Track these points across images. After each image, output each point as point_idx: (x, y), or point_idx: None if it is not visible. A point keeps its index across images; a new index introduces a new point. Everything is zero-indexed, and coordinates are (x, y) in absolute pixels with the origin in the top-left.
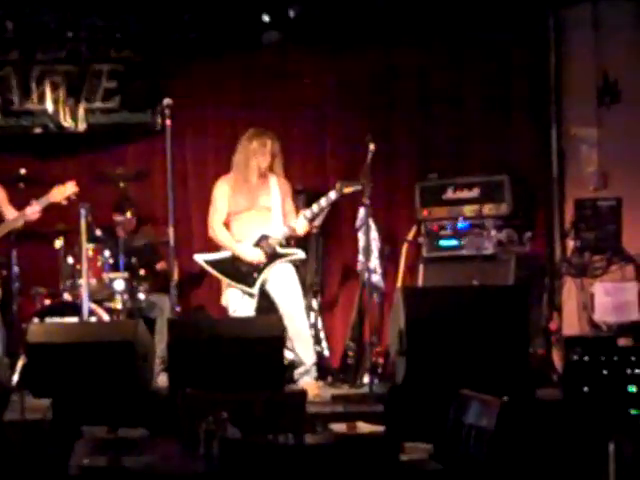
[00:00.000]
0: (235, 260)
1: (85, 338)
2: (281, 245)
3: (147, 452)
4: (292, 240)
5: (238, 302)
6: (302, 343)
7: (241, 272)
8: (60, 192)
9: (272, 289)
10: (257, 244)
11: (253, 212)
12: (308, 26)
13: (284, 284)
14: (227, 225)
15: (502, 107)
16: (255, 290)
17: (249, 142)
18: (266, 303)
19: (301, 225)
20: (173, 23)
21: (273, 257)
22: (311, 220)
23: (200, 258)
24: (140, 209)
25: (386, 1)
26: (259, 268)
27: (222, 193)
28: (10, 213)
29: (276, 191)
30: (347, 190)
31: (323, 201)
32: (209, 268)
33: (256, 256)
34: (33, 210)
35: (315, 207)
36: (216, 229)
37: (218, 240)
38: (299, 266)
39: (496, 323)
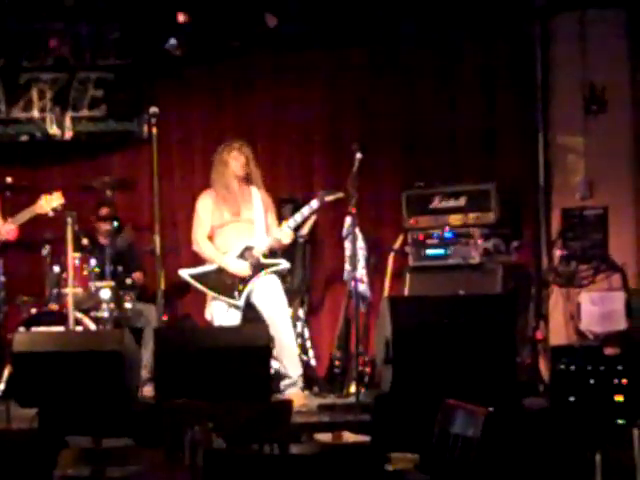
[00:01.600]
0: (220, 272)
1: (71, 347)
2: (265, 256)
3: (132, 462)
4: (278, 250)
5: (223, 315)
6: (288, 355)
7: (226, 284)
8: (47, 202)
9: (257, 300)
10: (241, 255)
11: (236, 224)
12: (295, 35)
13: (269, 295)
14: (211, 238)
15: (489, 116)
16: (241, 302)
17: (220, 155)
18: (252, 314)
19: (285, 234)
20: (161, 31)
21: (258, 268)
22: (295, 229)
23: (185, 273)
24: (125, 218)
25: (373, 13)
26: (244, 280)
27: (205, 207)
28: None
29: (258, 203)
30: (329, 198)
31: (305, 210)
32: (194, 283)
33: (241, 268)
34: (8, 229)
35: (298, 216)
36: (200, 243)
37: (203, 253)
38: (285, 275)
39: (483, 332)
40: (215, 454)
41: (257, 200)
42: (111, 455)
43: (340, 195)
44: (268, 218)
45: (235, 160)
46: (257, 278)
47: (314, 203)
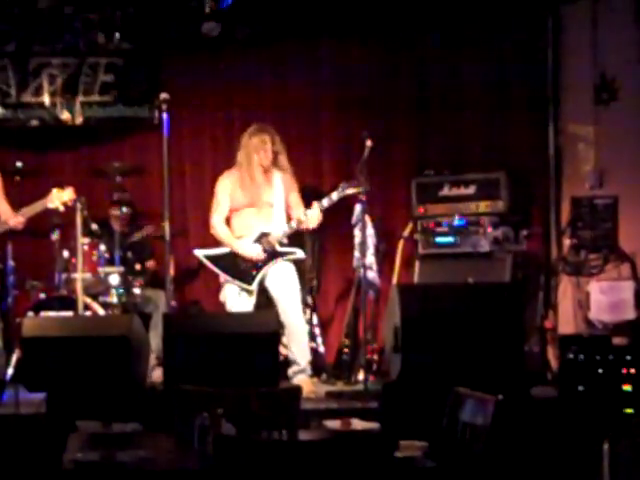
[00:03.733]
0: (234, 256)
1: (80, 332)
2: (281, 244)
3: (141, 447)
4: (304, 230)
5: (235, 299)
6: (297, 342)
7: (240, 269)
8: (58, 197)
9: (271, 285)
10: (257, 241)
11: (255, 208)
12: (304, 24)
13: (283, 281)
14: (228, 220)
15: (500, 104)
16: (253, 287)
17: (249, 139)
18: (265, 300)
19: (314, 215)
20: (172, 16)
21: (273, 255)
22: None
23: (200, 253)
24: (136, 203)
25: (382, 2)
26: (258, 266)
27: (224, 188)
28: (2, 207)
29: (279, 187)
30: (349, 191)
31: (334, 195)
32: (209, 263)
33: (255, 252)
34: (16, 221)
35: (334, 195)
36: (216, 225)
37: (218, 235)
38: (299, 263)
39: (492, 321)
40: (225, 440)
41: (278, 185)
42: (121, 440)
43: (361, 189)
44: (291, 198)
45: (264, 151)
46: (271, 265)
47: (335, 195)
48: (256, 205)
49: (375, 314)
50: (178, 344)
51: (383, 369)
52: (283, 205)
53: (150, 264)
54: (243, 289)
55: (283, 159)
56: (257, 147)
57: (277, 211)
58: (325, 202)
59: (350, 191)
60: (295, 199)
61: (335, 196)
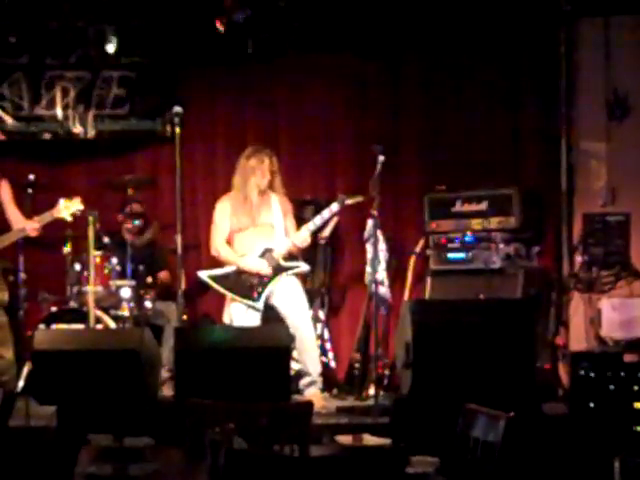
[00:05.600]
0: (239, 275)
1: (91, 345)
2: (284, 258)
3: (152, 461)
4: (297, 253)
5: (242, 316)
6: (308, 354)
7: (246, 286)
8: (66, 208)
9: (278, 302)
10: (261, 256)
11: (255, 229)
12: (315, 36)
13: (290, 296)
14: (229, 242)
15: (512, 120)
16: (260, 304)
17: (247, 160)
18: (271, 316)
19: (302, 237)
20: (186, 30)
21: (277, 270)
22: (314, 232)
23: (204, 275)
24: (148, 217)
25: (396, 16)
26: (264, 282)
27: (223, 212)
28: (13, 214)
29: (277, 208)
30: (348, 202)
31: (325, 213)
32: (213, 284)
33: (261, 267)
34: (32, 226)
35: (318, 219)
36: (219, 247)
37: (221, 257)
38: (306, 277)
39: (503, 337)
40: (236, 454)
41: (276, 205)
42: (132, 453)
43: (360, 199)
44: (287, 222)
45: (261, 172)
46: (276, 281)
47: (334, 206)
48: (256, 226)
49: (386, 329)
50: (189, 358)
51: (394, 384)
52: (283, 224)
53: (163, 275)
54: (250, 306)
55: (279, 182)
56: (254, 168)
57: (278, 229)
58: (317, 220)
59: (349, 201)
60: (291, 223)
61: (326, 214)
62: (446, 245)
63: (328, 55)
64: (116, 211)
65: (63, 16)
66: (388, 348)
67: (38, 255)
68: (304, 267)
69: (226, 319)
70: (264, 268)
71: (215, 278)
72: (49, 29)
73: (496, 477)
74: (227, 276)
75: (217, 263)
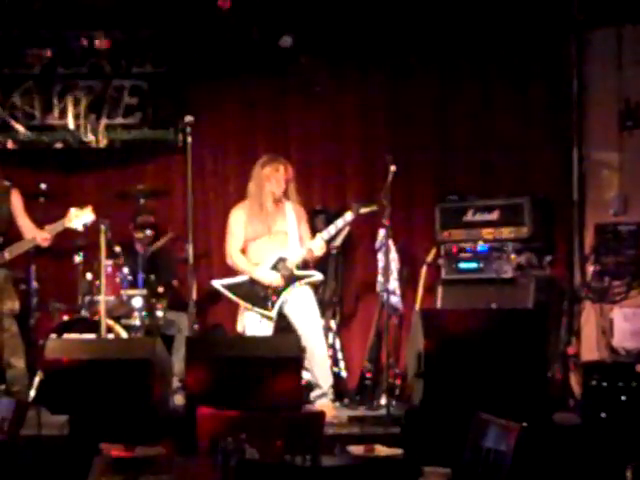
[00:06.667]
0: (253, 284)
1: (102, 355)
2: (298, 267)
3: (164, 471)
4: (311, 261)
5: (256, 326)
6: (320, 366)
7: (259, 296)
8: (77, 217)
9: (290, 311)
10: (274, 267)
11: (269, 237)
12: (329, 48)
13: (302, 306)
14: (244, 250)
15: (523, 129)
16: (274, 314)
17: (262, 169)
18: (284, 324)
19: (318, 246)
20: (197, 40)
21: (291, 280)
22: (328, 241)
23: (218, 284)
24: (159, 226)
25: (406, 25)
26: (277, 291)
27: (238, 220)
28: (24, 224)
29: (292, 216)
30: (363, 211)
31: (339, 222)
32: (227, 293)
33: (274, 279)
34: (43, 236)
35: (332, 228)
36: (233, 256)
37: (236, 266)
38: (317, 286)
39: (514, 347)
40: (248, 464)
41: (290, 213)
42: (144, 463)
43: (374, 208)
44: (302, 229)
45: (276, 180)
46: (290, 290)
47: (348, 215)
48: (270, 234)
49: (398, 339)
50: (201, 367)
51: (405, 394)
52: (297, 233)
53: (174, 283)
54: (263, 316)
55: (293, 190)
56: (269, 176)
57: (292, 238)
58: (332, 229)
59: (364, 211)
60: (305, 231)
61: (340, 223)
62: (458, 254)
63: (338, 64)
64: (127, 220)
65: (76, 26)
66: (400, 358)
67: (49, 264)
68: (318, 276)
69: (240, 328)
70: (276, 281)
71: (229, 287)
72: (61, 39)
73: None
74: (241, 285)
75: (228, 272)
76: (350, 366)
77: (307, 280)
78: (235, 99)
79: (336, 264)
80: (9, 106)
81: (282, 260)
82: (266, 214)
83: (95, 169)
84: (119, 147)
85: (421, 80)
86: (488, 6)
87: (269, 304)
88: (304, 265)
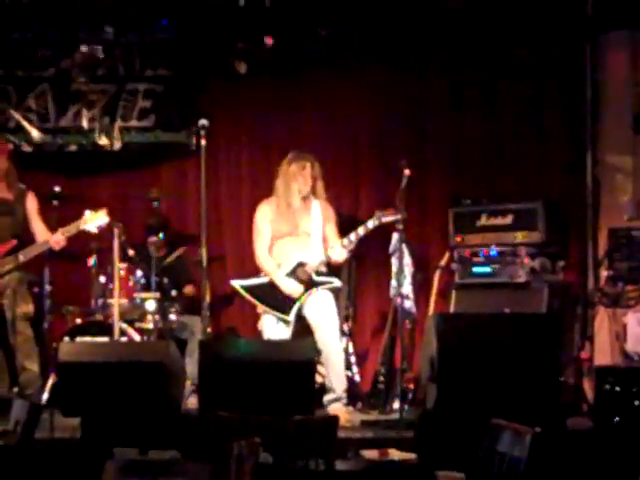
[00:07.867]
0: (272, 286)
1: (116, 358)
2: (318, 273)
3: (178, 475)
4: (333, 264)
5: (273, 328)
6: (334, 370)
7: (277, 299)
8: (92, 220)
9: (309, 313)
10: (293, 271)
11: (294, 237)
12: (343, 54)
13: (322, 309)
14: (269, 248)
15: (537, 133)
16: (291, 318)
17: (288, 166)
18: (302, 328)
19: (339, 253)
20: (211, 42)
21: (309, 285)
22: (349, 249)
23: (237, 284)
24: (173, 229)
25: (419, 30)
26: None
27: (264, 217)
28: (38, 226)
29: (317, 215)
30: (386, 220)
31: (361, 230)
32: (245, 294)
33: (294, 290)
34: (57, 239)
35: (353, 236)
36: (261, 257)
37: (262, 267)
38: (338, 292)
39: (528, 351)
40: (262, 468)
41: (317, 213)
42: (157, 467)
43: (398, 217)
44: (327, 229)
45: (303, 178)
46: (307, 297)
47: (370, 223)
48: (294, 234)
49: (411, 343)
50: (214, 371)
51: (419, 399)
52: (321, 234)
53: (188, 289)
54: (280, 319)
55: (321, 187)
56: (296, 173)
57: (315, 240)
58: (352, 237)
59: (386, 219)
60: (331, 230)
61: (362, 231)
62: (471, 259)
63: (354, 67)
64: (141, 223)
65: (90, 29)
66: (413, 362)
67: (63, 267)
68: (337, 283)
69: (260, 327)
70: (296, 292)
71: (247, 288)
72: (76, 42)
73: None
74: (260, 287)
75: (242, 275)
76: (363, 370)
77: (325, 287)
78: (249, 102)
79: (349, 268)
80: (24, 109)
81: (301, 265)
82: (293, 212)
83: (109, 172)
84: (133, 150)
85: (435, 84)
86: (503, 10)
87: (286, 308)
88: (327, 266)
